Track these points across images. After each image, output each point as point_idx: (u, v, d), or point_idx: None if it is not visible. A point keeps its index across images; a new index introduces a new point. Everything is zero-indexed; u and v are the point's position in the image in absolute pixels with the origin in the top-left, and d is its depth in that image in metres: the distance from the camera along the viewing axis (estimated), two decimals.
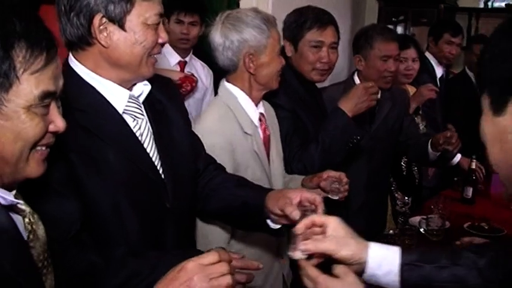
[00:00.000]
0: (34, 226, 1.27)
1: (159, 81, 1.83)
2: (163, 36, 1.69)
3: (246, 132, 2.20)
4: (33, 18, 1.15)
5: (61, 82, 1.21)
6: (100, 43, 1.60)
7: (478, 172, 3.57)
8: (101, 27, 1.58)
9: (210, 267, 1.30)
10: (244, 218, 1.94)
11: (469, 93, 4.45)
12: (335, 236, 1.39)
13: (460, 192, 3.58)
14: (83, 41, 1.61)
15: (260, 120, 2.30)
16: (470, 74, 4.80)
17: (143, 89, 1.76)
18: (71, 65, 1.66)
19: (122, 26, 1.59)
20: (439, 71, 4.43)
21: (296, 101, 2.66)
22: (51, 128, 1.21)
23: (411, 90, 3.82)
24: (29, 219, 1.26)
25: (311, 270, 1.31)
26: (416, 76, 3.94)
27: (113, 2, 1.56)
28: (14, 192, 1.21)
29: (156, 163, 1.74)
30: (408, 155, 3.58)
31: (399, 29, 6.28)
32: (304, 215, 1.62)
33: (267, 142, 2.32)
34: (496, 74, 0.92)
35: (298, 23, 2.69)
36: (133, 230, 1.66)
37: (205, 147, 2.03)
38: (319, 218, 1.45)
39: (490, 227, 3.03)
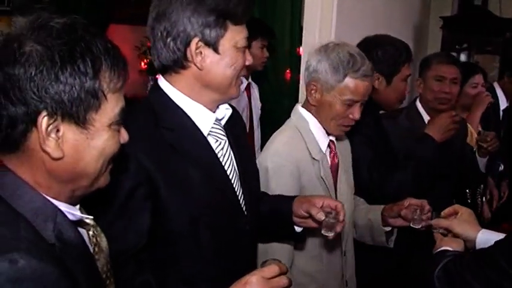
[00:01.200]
0: (98, 239, 1.32)
1: (231, 106, 1.92)
2: (249, 59, 1.79)
3: (313, 158, 2.21)
4: (107, 39, 1.21)
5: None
6: (196, 66, 1.68)
7: None
8: (197, 50, 1.66)
9: (273, 280, 1.36)
10: (273, 223, 2.02)
11: None
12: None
13: None
14: (178, 65, 1.70)
15: (329, 147, 2.31)
16: None
17: (225, 112, 1.84)
18: (161, 86, 1.75)
19: (216, 50, 1.68)
20: (503, 103, 4.33)
21: (371, 130, 2.70)
22: (121, 140, 1.26)
23: None
24: (93, 232, 1.31)
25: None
26: None
27: (208, 27, 1.65)
28: (78, 206, 1.27)
29: (234, 185, 1.80)
30: (468, 179, 3.54)
31: (463, 57, 6.20)
32: (326, 219, 1.82)
33: (334, 170, 2.33)
34: None
35: (394, 58, 2.75)
36: (209, 249, 1.72)
37: (272, 167, 2.06)
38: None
39: None
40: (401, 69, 2.75)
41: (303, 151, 2.21)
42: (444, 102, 3.11)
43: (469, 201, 3.65)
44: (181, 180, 1.66)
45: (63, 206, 1.19)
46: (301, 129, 2.26)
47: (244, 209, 1.83)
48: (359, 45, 2.81)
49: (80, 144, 1.15)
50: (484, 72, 3.86)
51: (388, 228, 2.33)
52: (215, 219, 1.73)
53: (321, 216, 1.83)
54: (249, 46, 3.55)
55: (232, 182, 1.80)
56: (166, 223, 1.65)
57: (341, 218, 1.85)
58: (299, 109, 2.31)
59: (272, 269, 1.37)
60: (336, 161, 2.34)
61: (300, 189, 2.19)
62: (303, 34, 4.17)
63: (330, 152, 2.33)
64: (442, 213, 2.07)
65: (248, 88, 3.91)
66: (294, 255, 2.25)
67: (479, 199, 3.75)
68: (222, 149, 1.80)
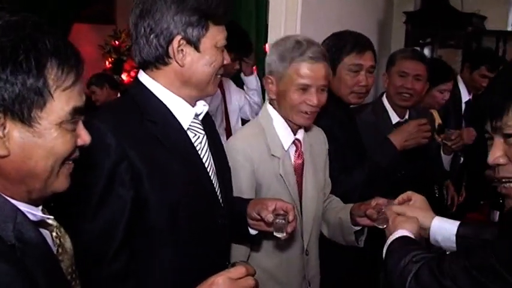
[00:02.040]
0: (62, 240, 1.31)
1: None
2: (227, 58, 1.84)
3: (273, 155, 2.22)
4: (60, 36, 1.20)
5: (84, 97, 1.24)
6: (177, 62, 1.73)
7: None
8: (179, 48, 1.71)
9: (239, 281, 1.37)
10: (233, 222, 2.03)
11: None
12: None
13: (486, 215, 3.56)
14: (159, 61, 1.75)
15: (295, 145, 2.31)
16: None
17: (203, 108, 1.89)
18: (142, 81, 1.79)
19: (197, 48, 1.73)
20: (465, 96, 4.40)
21: (334, 124, 2.67)
22: (79, 142, 1.25)
23: (434, 111, 3.83)
24: (57, 233, 1.30)
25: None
26: None
27: (191, 26, 1.70)
28: (40, 207, 1.25)
29: (212, 178, 1.85)
30: (434, 175, 3.58)
31: (426, 51, 6.29)
32: (276, 219, 1.88)
33: (299, 168, 2.32)
34: None
35: (338, 47, 2.71)
36: (186, 240, 1.75)
37: (229, 162, 2.09)
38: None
39: None
40: (344, 58, 2.69)
41: (261, 147, 2.22)
42: (406, 98, 3.13)
43: (437, 195, 3.71)
44: (163, 171, 1.70)
45: (22, 206, 1.18)
46: (265, 125, 2.27)
47: (221, 201, 1.89)
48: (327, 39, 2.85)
49: (26, 142, 1.14)
50: (455, 77, 3.93)
51: (357, 228, 2.32)
52: (194, 210, 1.77)
53: (269, 218, 1.89)
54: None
55: (210, 175, 1.85)
56: (147, 214, 1.68)
57: (290, 218, 1.89)
58: (266, 106, 2.33)
59: (239, 270, 1.39)
60: (301, 160, 2.33)
61: (255, 186, 2.21)
62: (268, 31, 4.19)
63: (296, 151, 2.32)
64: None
65: (221, 85, 3.93)
66: (252, 251, 2.26)
67: (446, 193, 3.81)
68: (200, 143, 1.85)
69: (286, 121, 2.26)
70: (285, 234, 1.89)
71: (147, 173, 1.65)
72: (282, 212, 1.90)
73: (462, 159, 4.25)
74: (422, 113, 3.34)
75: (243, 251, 2.20)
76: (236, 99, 4.21)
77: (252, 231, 2.06)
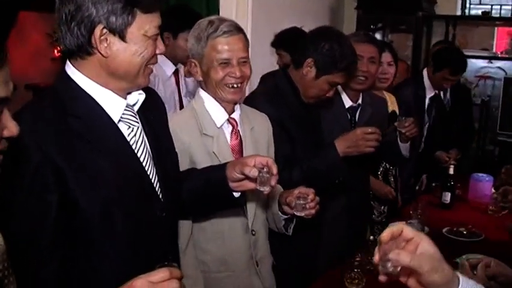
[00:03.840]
0: None
1: (148, 91, 1.86)
2: (161, 48, 1.73)
3: (205, 134, 2.22)
4: None
5: (11, 86, 1.18)
6: (100, 53, 1.62)
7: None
8: (102, 37, 1.61)
9: (161, 284, 1.31)
10: (208, 195, 2.03)
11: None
12: (429, 256, 1.20)
13: (438, 197, 3.62)
14: (82, 50, 1.63)
15: (231, 125, 2.30)
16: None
17: (138, 97, 1.79)
18: (68, 72, 1.68)
19: (122, 37, 1.63)
20: (430, 92, 4.40)
21: (287, 114, 2.64)
22: (5, 133, 1.19)
23: (389, 98, 3.84)
24: None
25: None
26: (402, 88, 4.00)
27: (114, 14, 1.59)
28: None
29: (149, 172, 1.77)
30: (385, 158, 3.59)
31: (377, 36, 6.32)
32: (260, 174, 1.87)
33: (237, 148, 2.31)
34: None
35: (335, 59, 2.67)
36: (124, 240, 1.68)
37: None
38: (409, 230, 1.23)
39: (469, 231, 3.06)
40: (334, 73, 2.66)
41: (191, 128, 2.22)
42: (361, 81, 3.10)
43: (380, 177, 3.73)
44: (90, 169, 1.60)
45: None
46: (196, 107, 2.28)
47: (160, 196, 1.80)
48: (316, 29, 2.83)
49: None
50: (392, 50, 3.90)
51: (286, 216, 2.29)
52: (129, 208, 1.68)
53: (254, 173, 1.87)
54: (175, 37, 3.58)
55: (146, 168, 1.76)
56: (78, 216, 1.59)
57: (274, 171, 1.88)
58: (199, 90, 2.33)
59: (161, 274, 1.33)
60: (238, 139, 2.32)
61: (191, 165, 2.20)
62: None
63: (232, 130, 2.31)
64: (381, 238, 1.26)
65: (177, 73, 3.85)
66: (195, 232, 2.24)
67: (392, 179, 3.83)
68: (135, 135, 1.75)
69: (217, 101, 2.26)
70: (269, 187, 1.90)
71: (72, 172, 1.56)
72: (261, 167, 1.89)
73: (423, 145, 4.34)
74: (375, 98, 3.35)
75: (185, 229, 2.18)
76: (192, 86, 4.14)
77: (236, 194, 2.02)
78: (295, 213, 2.14)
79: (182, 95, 3.91)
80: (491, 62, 6.51)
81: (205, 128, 2.23)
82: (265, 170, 1.88)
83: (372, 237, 2.94)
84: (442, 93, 4.49)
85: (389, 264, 1.18)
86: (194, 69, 2.25)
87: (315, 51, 2.64)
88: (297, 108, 2.72)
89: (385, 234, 1.22)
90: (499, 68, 6.47)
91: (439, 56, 4.39)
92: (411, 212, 3.19)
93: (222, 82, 2.20)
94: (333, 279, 2.46)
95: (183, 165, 2.12)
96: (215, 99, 2.26)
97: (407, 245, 1.21)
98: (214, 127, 2.25)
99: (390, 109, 3.71)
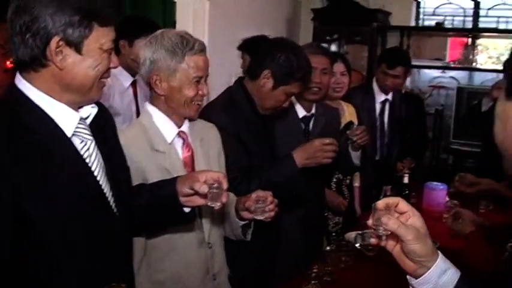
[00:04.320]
0: None
1: (98, 105, 1.83)
2: (115, 61, 1.72)
3: (156, 150, 2.19)
4: None
5: None
6: (56, 65, 1.59)
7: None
8: (57, 49, 1.57)
9: None
10: (158, 211, 1.98)
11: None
12: (417, 228, 1.30)
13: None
14: (36, 62, 1.59)
15: (182, 138, 2.27)
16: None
17: (91, 111, 1.76)
18: (19, 86, 1.64)
19: (78, 50, 1.60)
20: (380, 96, 4.45)
21: (244, 126, 2.64)
22: None
23: (347, 108, 3.89)
24: None
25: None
26: (351, 96, 4.03)
27: (72, 26, 1.56)
28: None
29: (103, 186, 1.74)
30: (337, 167, 3.61)
31: (333, 47, 6.42)
32: (210, 190, 1.83)
33: (189, 161, 2.29)
34: None
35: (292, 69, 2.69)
36: (80, 256, 1.64)
37: None
38: (405, 204, 1.33)
39: None
40: (291, 83, 2.68)
41: (142, 144, 2.18)
42: (315, 92, 3.13)
43: (334, 188, 3.75)
44: (45, 185, 1.56)
45: None
46: (145, 123, 2.24)
47: (115, 210, 1.77)
48: (268, 42, 2.85)
49: None
50: (345, 60, 3.94)
51: (244, 222, 2.30)
52: (85, 223, 1.65)
53: (204, 189, 1.83)
54: (131, 45, 3.54)
55: (101, 183, 1.73)
56: (33, 232, 1.54)
57: (224, 186, 1.86)
58: (146, 105, 2.30)
59: None
60: (190, 152, 2.30)
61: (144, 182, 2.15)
62: (177, 29, 4.13)
63: (183, 144, 2.29)
64: (377, 205, 1.34)
65: (135, 84, 3.79)
66: (149, 251, 2.20)
67: (345, 189, 3.86)
68: (88, 149, 1.72)
69: (167, 115, 2.23)
70: (219, 203, 1.86)
71: (27, 187, 1.53)
72: (212, 182, 1.85)
73: (378, 155, 4.38)
74: (327, 108, 3.38)
75: (138, 247, 2.13)
76: (146, 98, 4.10)
77: (186, 209, 1.97)
78: (255, 217, 2.14)
79: (140, 107, 3.86)
80: (444, 72, 6.67)
81: (156, 144, 2.20)
82: (215, 185, 1.85)
83: (328, 247, 2.95)
84: (392, 97, 4.49)
85: (381, 228, 1.30)
86: (157, 84, 2.19)
87: (271, 63, 2.66)
88: (253, 120, 2.72)
89: (381, 202, 1.34)
90: (452, 77, 6.64)
91: (381, 54, 4.61)
92: (367, 222, 3.21)
93: (193, 100, 2.20)
94: None
95: (136, 183, 2.08)
96: (164, 113, 2.23)
97: (400, 217, 1.32)
98: (165, 142, 2.22)
99: (348, 119, 3.75)
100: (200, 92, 2.21)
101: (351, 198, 3.85)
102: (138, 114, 3.82)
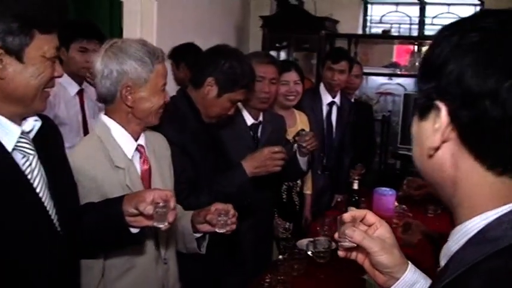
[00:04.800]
0: None
1: (43, 118, 1.75)
2: (59, 70, 1.65)
3: (117, 166, 2.10)
4: None
5: None
6: None
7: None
8: None
9: None
10: (104, 231, 1.87)
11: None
12: (383, 240, 1.29)
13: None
14: None
15: (140, 152, 2.22)
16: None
17: (34, 124, 1.68)
18: None
19: (19, 58, 1.53)
20: (326, 97, 4.48)
21: (189, 137, 2.60)
22: None
23: (299, 116, 3.91)
24: None
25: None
26: (303, 98, 4.04)
27: (12, 34, 1.49)
28: None
29: (46, 203, 1.66)
30: (285, 174, 3.61)
31: (282, 55, 6.46)
32: (156, 210, 1.74)
33: (146, 175, 2.22)
34: (424, 84, 0.95)
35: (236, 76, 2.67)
36: (24, 279, 1.57)
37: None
38: (372, 216, 1.33)
39: None
40: (236, 90, 2.67)
41: (102, 161, 2.08)
42: (264, 101, 3.16)
43: (285, 200, 3.75)
44: None
45: None
46: (103, 137, 2.13)
47: (59, 229, 1.69)
48: (212, 47, 2.79)
49: None
50: (299, 68, 3.97)
51: (199, 235, 2.28)
52: (26, 243, 1.57)
53: (149, 210, 1.72)
54: (68, 49, 3.44)
55: (43, 200, 1.64)
56: None
57: (172, 205, 1.78)
58: (102, 118, 2.19)
59: None
60: (147, 166, 2.23)
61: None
62: (123, 35, 4.08)
63: (141, 158, 2.22)
64: (343, 217, 1.33)
65: (81, 93, 3.67)
66: (106, 270, 2.10)
67: (295, 195, 3.87)
68: (31, 165, 1.63)
69: (124, 129, 2.16)
70: (166, 223, 1.78)
71: None
72: (161, 201, 1.76)
73: (325, 160, 4.39)
74: (274, 116, 3.39)
75: (96, 267, 2.06)
76: (99, 108, 3.93)
77: (134, 230, 1.86)
78: (218, 230, 2.12)
79: (87, 116, 3.76)
80: (391, 79, 6.78)
81: (116, 160, 2.10)
82: (161, 204, 1.77)
83: (280, 256, 2.94)
84: (339, 101, 4.52)
85: (346, 241, 1.29)
86: (128, 95, 2.10)
87: (215, 70, 2.63)
88: (198, 130, 2.68)
89: (347, 215, 1.33)
90: (398, 84, 6.75)
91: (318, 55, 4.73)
92: (318, 228, 3.23)
93: (160, 108, 2.16)
94: None
95: (95, 201, 1.98)
96: (122, 126, 2.15)
97: (368, 229, 1.31)
98: (125, 158, 2.14)
99: (299, 127, 3.78)
100: (165, 100, 2.18)
101: (301, 205, 3.86)
102: (84, 124, 3.72)
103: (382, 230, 1.31)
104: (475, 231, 0.90)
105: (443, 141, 0.91)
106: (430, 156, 0.94)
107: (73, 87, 3.60)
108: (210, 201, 2.36)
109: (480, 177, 0.90)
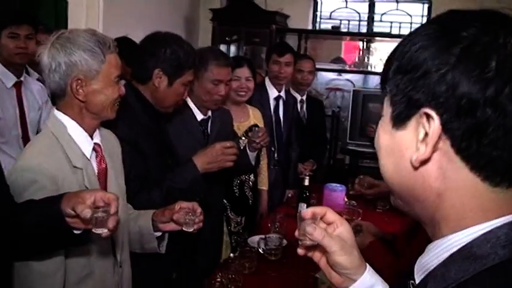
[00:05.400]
0: None
1: None
2: None
3: (75, 166, 1.97)
4: None
5: None
6: None
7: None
8: None
9: None
10: (44, 232, 1.73)
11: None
12: (343, 239, 1.24)
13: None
14: None
15: (96, 151, 2.09)
16: (295, 94, 4.80)
17: None
18: None
19: None
20: (273, 92, 4.44)
21: (140, 132, 2.51)
22: None
23: (252, 111, 3.86)
24: None
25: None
26: (252, 95, 4.00)
27: None
28: None
29: None
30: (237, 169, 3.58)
31: (232, 48, 6.40)
32: (95, 212, 1.59)
33: (103, 175, 2.10)
34: (406, 87, 0.85)
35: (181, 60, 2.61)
36: None
37: (23, 184, 1.82)
38: (333, 214, 1.27)
39: None
40: (185, 73, 2.62)
41: (61, 161, 1.94)
42: (217, 102, 3.14)
43: (237, 194, 3.70)
44: None
45: None
46: (58, 135, 1.99)
47: None
48: (146, 39, 2.69)
49: None
50: (251, 65, 3.92)
51: (159, 234, 2.24)
52: None
53: (86, 214, 1.58)
54: None
55: None
56: None
57: (112, 210, 1.63)
58: (55, 113, 2.04)
59: None
60: (104, 165, 2.12)
61: None
62: (68, 27, 3.95)
63: (97, 157, 2.10)
64: (303, 214, 1.29)
65: (19, 86, 3.49)
66: (67, 276, 1.94)
67: (247, 190, 3.82)
68: None
69: (80, 126, 2.03)
70: (106, 230, 1.62)
71: None
72: (102, 204, 1.62)
73: (276, 154, 4.35)
74: (221, 110, 3.34)
75: (57, 280, 1.89)
76: (38, 107, 3.74)
77: (76, 231, 1.70)
78: (185, 229, 2.11)
79: (26, 111, 3.59)
80: (341, 75, 6.82)
81: (74, 160, 1.97)
82: (102, 209, 1.62)
83: (231, 254, 2.89)
84: (285, 95, 4.51)
85: (306, 239, 1.24)
86: (79, 88, 1.97)
87: (158, 61, 2.56)
88: (148, 124, 2.60)
89: (306, 212, 1.28)
90: (347, 80, 6.79)
91: (268, 49, 4.71)
92: (269, 225, 3.20)
93: (115, 100, 2.05)
94: None
95: None
96: (77, 122, 2.02)
97: (328, 227, 1.26)
98: (83, 157, 2.01)
99: (252, 122, 3.76)
100: (120, 92, 2.07)
101: (254, 200, 3.82)
102: (22, 119, 3.55)
103: (342, 229, 1.26)
104: (459, 246, 0.85)
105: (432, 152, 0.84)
106: (415, 169, 0.86)
107: (9, 79, 3.44)
108: (162, 197, 2.32)
109: (473, 189, 0.84)
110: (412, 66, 0.84)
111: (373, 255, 2.56)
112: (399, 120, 0.87)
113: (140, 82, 2.61)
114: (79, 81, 1.96)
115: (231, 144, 2.71)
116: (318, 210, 1.28)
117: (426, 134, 0.83)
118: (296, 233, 1.26)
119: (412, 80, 0.84)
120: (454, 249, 0.85)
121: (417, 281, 0.93)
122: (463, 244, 0.84)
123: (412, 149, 0.85)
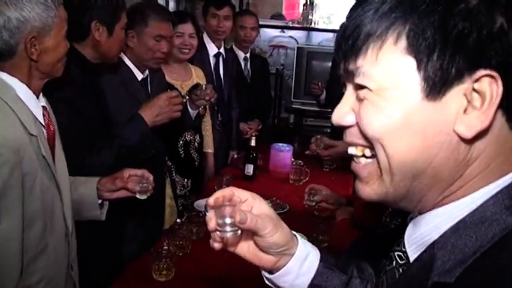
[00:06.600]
0: None
1: None
2: None
3: (31, 134, 1.76)
4: None
5: None
6: None
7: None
8: None
9: None
10: None
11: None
12: (267, 216, 1.06)
13: (241, 169, 3.59)
14: None
15: (43, 115, 1.89)
16: (238, 51, 4.68)
17: None
18: None
19: None
20: (212, 48, 4.28)
21: (76, 92, 2.33)
22: None
23: (195, 70, 3.74)
24: None
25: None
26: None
27: None
28: None
29: None
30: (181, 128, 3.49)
31: (171, 4, 6.17)
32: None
33: (52, 140, 1.93)
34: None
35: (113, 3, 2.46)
36: None
37: None
38: (241, 192, 1.08)
39: (274, 204, 3.04)
40: (122, 15, 2.49)
41: (18, 128, 1.73)
42: (160, 61, 3.06)
43: (183, 156, 3.57)
44: None
45: None
46: (9, 101, 1.75)
47: None
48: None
49: None
50: (195, 21, 3.75)
51: (100, 201, 2.16)
52: None
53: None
54: None
55: None
56: None
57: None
58: (1, 75, 1.79)
59: None
60: (53, 129, 1.94)
61: (21, 178, 1.72)
62: None
63: (44, 121, 1.90)
64: (210, 202, 1.07)
65: None
66: (24, 257, 1.79)
67: (194, 152, 3.71)
68: None
69: (28, 87, 1.82)
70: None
71: None
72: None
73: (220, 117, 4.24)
74: (155, 69, 3.19)
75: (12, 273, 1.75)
76: None
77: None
78: (139, 196, 2.14)
79: None
80: (283, 31, 6.69)
81: (30, 127, 1.76)
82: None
83: (178, 220, 2.79)
84: (224, 52, 4.35)
85: (228, 229, 1.03)
86: (33, 47, 1.77)
87: (93, 12, 2.40)
88: (83, 84, 2.42)
89: (215, 198, 1.06)
90: (291, 37, 6.68)
91: (204, 3, 4.44)
92: (216, 187, 3.11)
93: (64, 57, 1.91)
94: (140, 270, 2.27)
95: (15, 182, 1.67)
96: (26, 84, 1.81)
97: (242, 206, 1.06)
98: (37, 123, 1.82)
99: (195, 81, 3.65)
100: (67, 48, 1.93)
101: (200, 162, 3.70)
102: None
103: (259, 203, 1.09)
104: (468, 211, 0.76)
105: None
106: (468, 142, 0.75)
107: None
108: (112, 157, 2.30)
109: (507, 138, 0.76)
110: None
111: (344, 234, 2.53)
112: (440, 87, 0.73)
113: (76, 41, 2.40)
114: (33, 39, 1.77)
115: (176, 94, 2.67)
116: (226, 192, 1.07)
117: (482, 101, 0.72)
118: (211, 226, 1.05)
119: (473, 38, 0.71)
120: (462, 216, 0.76)
121: (414, 256, 0.84)
122: (474, 208, 0.76)
123: (449, 123, 0.74)
